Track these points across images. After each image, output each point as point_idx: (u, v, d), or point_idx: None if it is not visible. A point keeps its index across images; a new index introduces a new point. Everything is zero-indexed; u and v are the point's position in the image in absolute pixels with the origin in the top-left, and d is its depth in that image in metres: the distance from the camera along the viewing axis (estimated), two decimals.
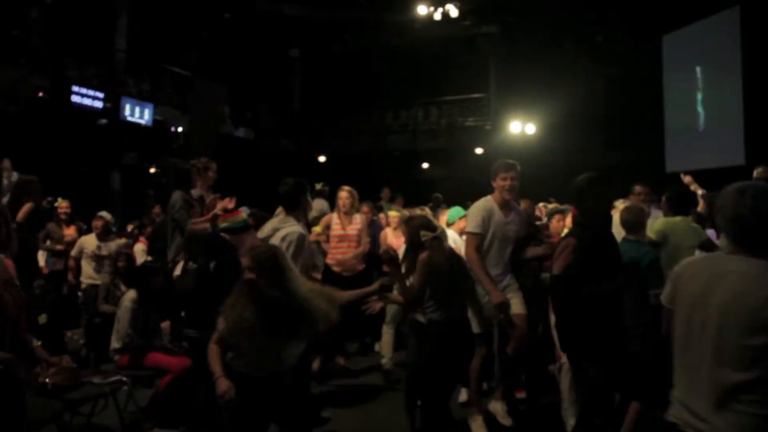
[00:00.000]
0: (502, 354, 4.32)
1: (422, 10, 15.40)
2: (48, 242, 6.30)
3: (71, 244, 6.60)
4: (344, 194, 5.73)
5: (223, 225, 3.91)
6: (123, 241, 7.20)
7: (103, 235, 6.51)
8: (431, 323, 3.64)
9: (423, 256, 3.63)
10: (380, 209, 9.08)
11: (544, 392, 4.65)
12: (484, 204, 4.22)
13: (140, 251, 6.68)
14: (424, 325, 3.72)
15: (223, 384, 2.89)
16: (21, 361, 3.08)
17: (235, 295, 3.06)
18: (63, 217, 6.91)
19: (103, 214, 6.68)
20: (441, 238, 3.78)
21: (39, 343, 3.99)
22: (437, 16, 15.30)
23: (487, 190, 4.42)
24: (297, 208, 3.94)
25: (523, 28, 15.16)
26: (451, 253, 3.87)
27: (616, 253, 3.39)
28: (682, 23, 13.39)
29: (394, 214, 6.59)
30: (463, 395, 4.68)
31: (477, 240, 4.11)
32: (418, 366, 3.79)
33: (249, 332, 2.97)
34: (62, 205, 7.03)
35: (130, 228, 8.64)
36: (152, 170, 14.93)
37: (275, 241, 3.76)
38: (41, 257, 6.51)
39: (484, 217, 4.12)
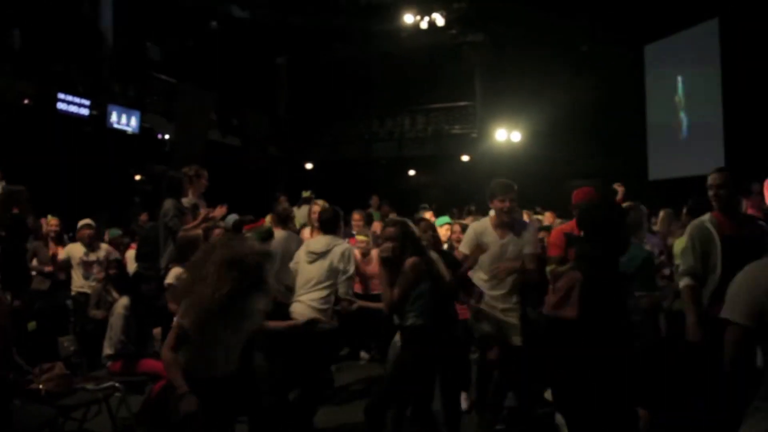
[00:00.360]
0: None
1: (409, 18, 15.55)
2: (35, 262, 6.23)
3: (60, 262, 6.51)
4: (317, 208, 5.49)
5: (249, 235, 4.06)
6: (112, 249, 7.16)
7: (90, 243, 6.50)
8: (413, 329, 3.61)
9: (413, 260, 3.59)
10: (370, 217, 9.13)
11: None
12: (476, 226, 4.27)
13: (132, 258, 6.68)
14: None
15: (191, 402, 2.70)
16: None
17: (198, 285, 2.85)
18: (52, 235, 6.77)
19: (89, 221, 6.65)
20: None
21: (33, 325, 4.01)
22: (424, 25, 15.46)
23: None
24: (335, 231, 4.60)
25: (508, 37, 15.37)
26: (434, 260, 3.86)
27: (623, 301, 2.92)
28: (663, 34, 13.68)
29: (362, 239, 6.34)
30: (463, 403, 4.56)
31: (461, 256, 4.26)
32: (398, 370, 3.74)
33: (219, 327, 2.86)
34: (52, 222, 6.82)
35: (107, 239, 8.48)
36: (137, 177, 14.88)
37: (335, 256, 4.35)
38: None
39: (472, 239, 4.17)
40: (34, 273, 6.16)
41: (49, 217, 6.90)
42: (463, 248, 4.23)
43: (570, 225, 4.28)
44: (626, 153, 14.18)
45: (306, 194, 8.87)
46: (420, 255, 3.65)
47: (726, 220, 3.43)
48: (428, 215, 6.96)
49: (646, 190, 12.24)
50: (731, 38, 11.79)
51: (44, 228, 6.59)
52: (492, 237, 4.10)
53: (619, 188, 6.36)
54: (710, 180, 3.52)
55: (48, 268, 6.19)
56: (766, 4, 10.44)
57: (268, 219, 5.33)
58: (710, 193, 3.49)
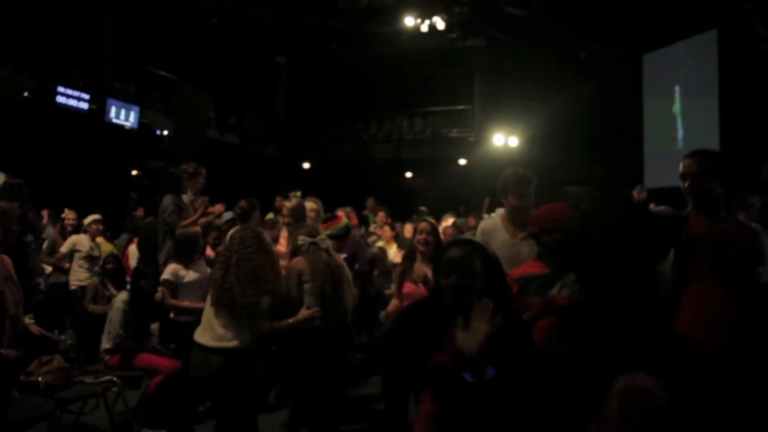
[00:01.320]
0: None
1: (409, 21, 15.60)
2: (53, 257, 6.28)
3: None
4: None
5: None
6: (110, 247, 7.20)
7: (96, 238, 6.56)
8: (312, 330, 3.60)
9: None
10: (365, 219, 9.10)
11: None
12: (485, 225, 3.72)
13: (134, 253, 6.72)
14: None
15: None
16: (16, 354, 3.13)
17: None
18: (69, 228, 6.82)
19: (98, 217, 6.70)
20: (318, 243, 3.81)
21: (32, 321, 4.05)
22: (424, 28, 15.51)
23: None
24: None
25: (508, 42, 15.44)
26: (331, 261, 3.80)
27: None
28: (661, 43, 13.78)
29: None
30: None
31: None
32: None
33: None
34: (69, 216, 6.87)
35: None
36: (134, 173, 14.88)
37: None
38: (47, 269, 6.50)
39: (482, 239, 3.48)
40: (49, 268, 6.22)
41: (66, 210, 6.94)
42: None
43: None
44: (623, 160, 14.26)
45: (295, 194, 8.88)
46: (302, 255, 3.74)
47: (703, 221, 2.59)
48: (451, 221, 6.90)
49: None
50: (729, 50, 11.89)
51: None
52: (502, 237, 3.49)
53: (640, 194, 5.89)
54: (683, 167, 2.67)
55: (68, 265, 6.26)
56: (765, 15, 10.55)
57: (344, 217, 5.19)
58: (684, 184, 2.68)
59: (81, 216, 6.92)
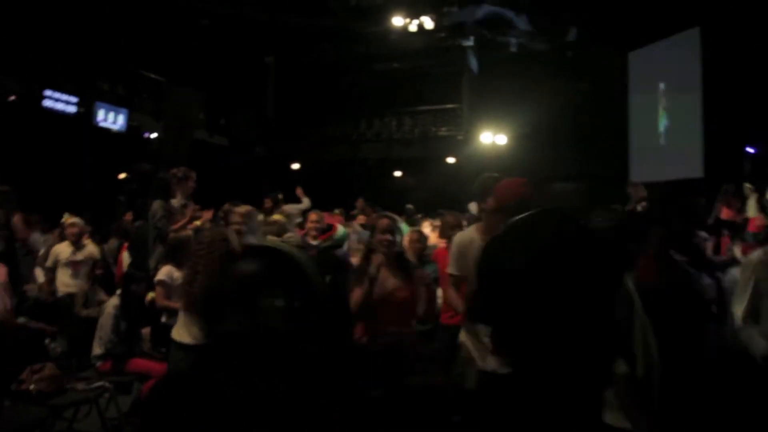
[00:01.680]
0: None
1: (398, 21, 15.64)
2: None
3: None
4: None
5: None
6: (97, 248, 7.13)
7: (78, 242, 6.45)
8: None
9: None
10: (353, 219, 9.12)
11: None
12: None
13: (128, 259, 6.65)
14: None
15: None
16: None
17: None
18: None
19: (76, 220, 6.60)
20: (287, 242, 3.83)
21: (25, 320, 4.09)
22: (413, 28, 15.57)
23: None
24: None
25: (496, 41, 15.53)
26: None
27: None
28: (646, 41, 13.92)
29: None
30: None
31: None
32: None
33: None
34: (69, 221, 6.80)
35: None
36: (122, 176, 14.80)
37: None
38: (39, 274, 6.43)
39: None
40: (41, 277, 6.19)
41: (66, 215, 6.84)
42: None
43: None
44: (609, 156, 14.38)
45: (280, 197, 8.97)
46: None
47: (654, 268, 2.50)
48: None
49: (626, 192, 12.44)
50: (712, 47, 12.05)
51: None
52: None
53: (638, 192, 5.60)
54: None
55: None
56: (746, 14, 10.70)
57: (340, 227, 5.01)
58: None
59: None
